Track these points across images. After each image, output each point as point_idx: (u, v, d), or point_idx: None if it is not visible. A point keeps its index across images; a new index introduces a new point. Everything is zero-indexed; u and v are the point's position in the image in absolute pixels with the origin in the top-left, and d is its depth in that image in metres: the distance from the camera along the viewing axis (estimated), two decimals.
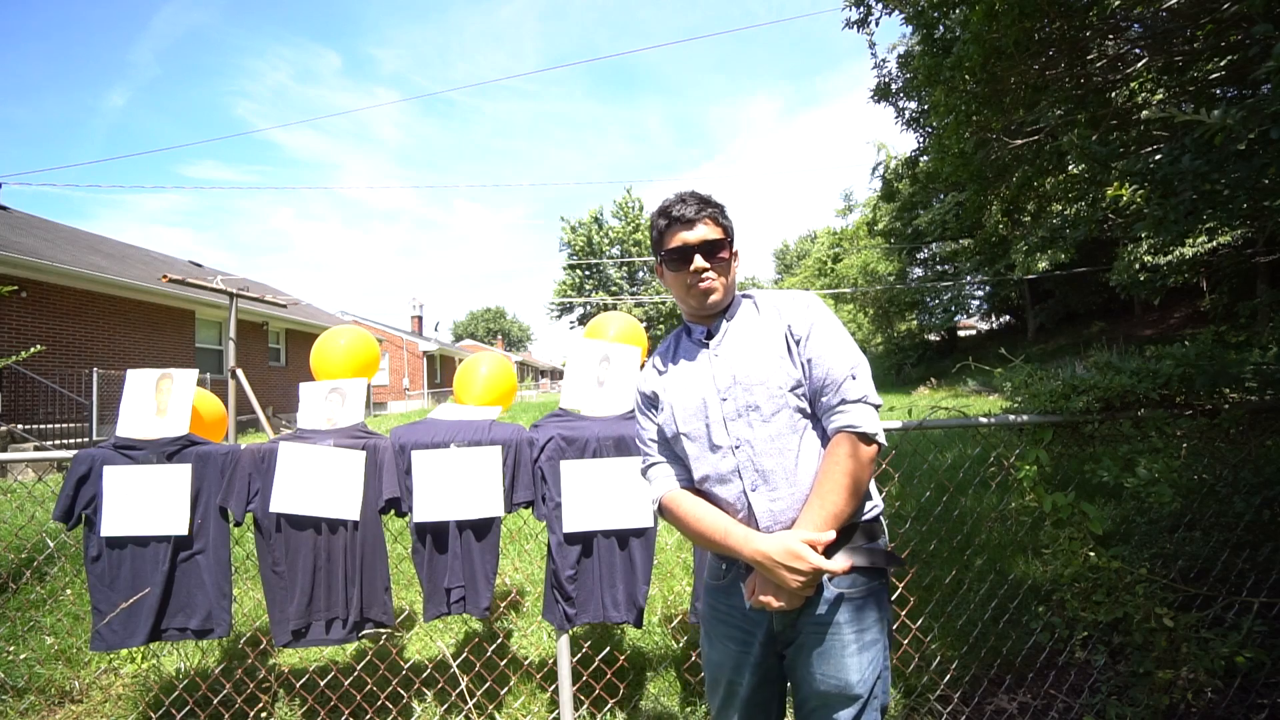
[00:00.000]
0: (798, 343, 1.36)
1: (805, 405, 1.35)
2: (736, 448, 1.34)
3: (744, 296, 1.52)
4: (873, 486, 1.39)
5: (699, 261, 1.39)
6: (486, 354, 2.63)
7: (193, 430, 2.30)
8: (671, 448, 1.47)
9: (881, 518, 1.40)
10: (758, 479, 1.32)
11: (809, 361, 1.34)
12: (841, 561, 1.26)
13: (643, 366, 2.24)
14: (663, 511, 1.46)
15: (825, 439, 1.34)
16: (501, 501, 2.20)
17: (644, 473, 1.53)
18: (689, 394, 1.42)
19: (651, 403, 1.51)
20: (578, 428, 2.24)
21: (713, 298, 1.41)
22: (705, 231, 1.40)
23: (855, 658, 1.30)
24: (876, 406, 1.32)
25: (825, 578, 1.30)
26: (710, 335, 1.46)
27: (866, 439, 1.28)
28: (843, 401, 1.30)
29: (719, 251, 1.41)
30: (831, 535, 1.25)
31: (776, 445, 1.32)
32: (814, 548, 1.23)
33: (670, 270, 1.45)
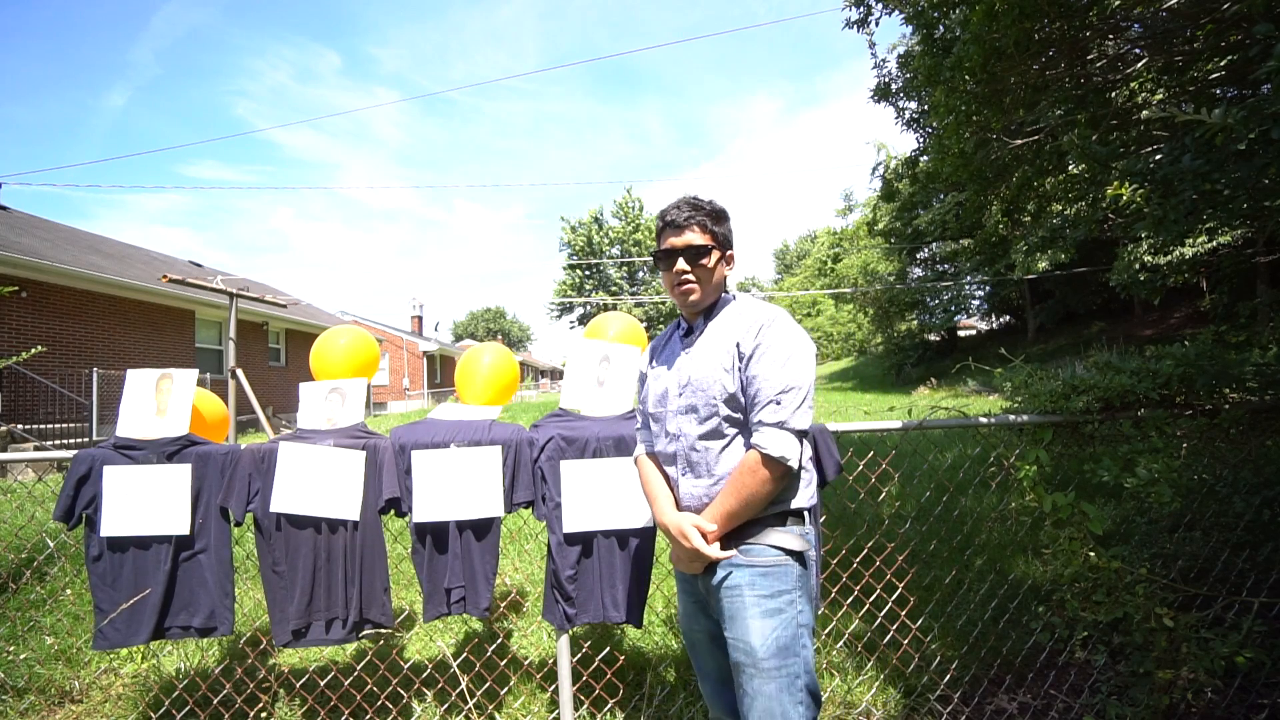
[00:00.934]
0: (742, 359, 1.49)
1: (737, 415, 1.50)
2: (678, 437, 1.56)
3: (731, 300, 1.64)
4: (805, 481, 1.52)
5: (680, 265, 1.55)
6: (488, 344, 2.62)
7: (196, 431, 2.30)
8: (647, 422, 1.72)
9: (806, 512, 1.53)
10: (686, 467, 1.55)
11: (748, 379, 1.48)
12: (719, 550, 1.47)
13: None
14: (636, 468, 1.76)
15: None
16: (501, 501, 2.20)
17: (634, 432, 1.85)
18: (660, 383, 1.65)
19: (641, 380, 1.79)
20: (578, 428, 2.24)
21: (691, 298, 1.58)
22: (691, 238, 1.55)
23: (757, 621, 1.43)
24: (797, 432, 1.42)
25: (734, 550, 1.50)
26: (690, 332, 1.64)
27: (769, 460, 1.41)
28: (759, 423, 1.44)
29: (701, 258, 1.55)
30: (714, 528, 1.47)
31: (703, 444, 1.52)
32: (704, 534, 1.47)
33: (660, 269, 1.63)
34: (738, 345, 1.50)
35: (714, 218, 1.58)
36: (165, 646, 3.05)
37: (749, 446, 1.46)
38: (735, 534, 1.49)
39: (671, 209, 1.58)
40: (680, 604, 1.72)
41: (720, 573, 1.50)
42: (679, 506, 1.57)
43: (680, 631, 1.72)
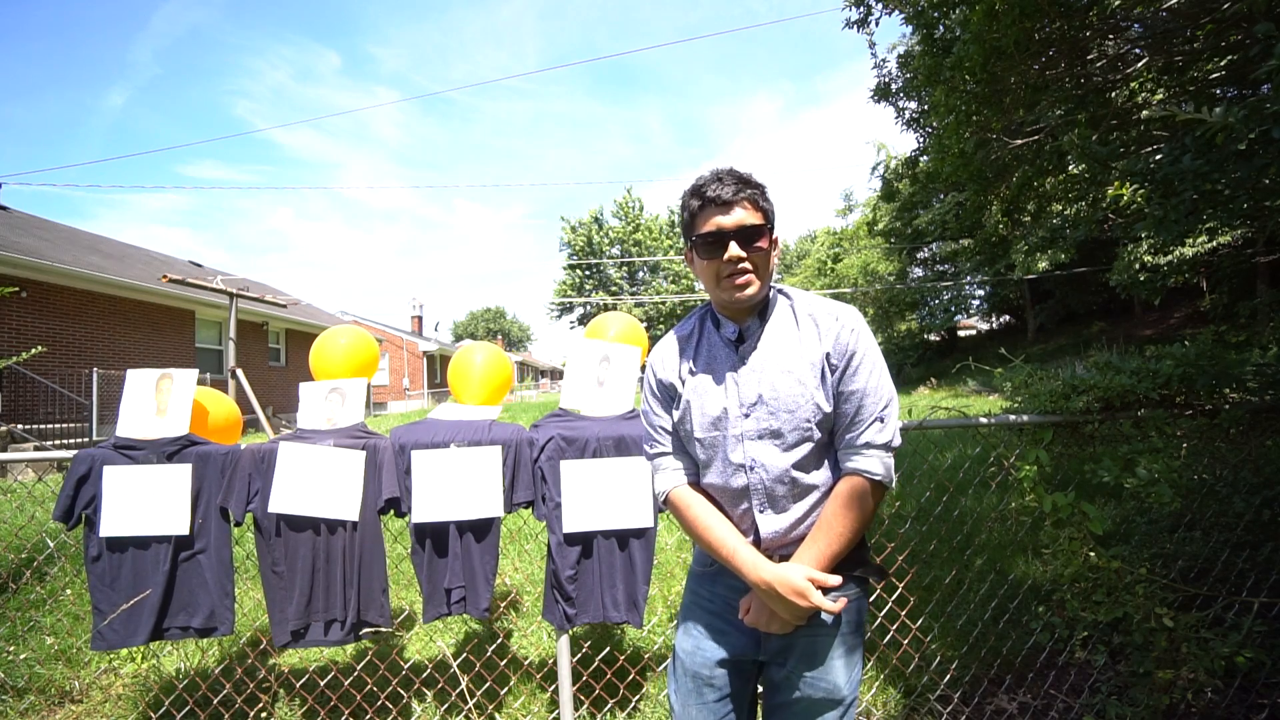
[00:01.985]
0: (834, 370, 1.27)
1: (827, 439, 1.30)
2: (750, 468, 1.28)
3: (780, 293, 1.38)
4: None
5: (734, 250, 1.25)
6: (478, 344, 2.62)
7: (207, 434, 2.30)
8: (683, 444, 1.40)
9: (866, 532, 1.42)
10: (767, 503, 1.29)
11: (841, 394, 1.27)
12: (838, 604, 1.24)
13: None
14: (669, 504, 1.40)
15: (836, 468, 1.30)
16: (501, 502, 2.20)
17: (650, 458, 1.45)
18: (711, 401, 1.32)
19: (669, 392, 1.40)
20: (578, 428, 2.24)
21: (748, 291, 1.28)
22: (743, 216, 1.26)
23: (842, 660, 1.31)
24: (895, 450, 1.28)
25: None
26: (741, 338, 1.34)
27: (879, 487, 1.25)
28: (867, 445, 1.25)
29: (757, 239, 1.27)
30: (837, 581, 1.23)
31: (791, 475, 1.27)
32: (816, 584, 1.22)
33: (701, 257, 1.30)
34: (827, 356, 1.26)
35: (763, 192, 1.31)
36: (165, 646, 3.05)
37: (840, 472, 1.28)
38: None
39: (712, 182, 1.27)
40: (692, 640, 1.42)
41: (814, 617, 1.30)
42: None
43: (683, 666, 1.43)
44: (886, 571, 1.41)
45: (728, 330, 1.35)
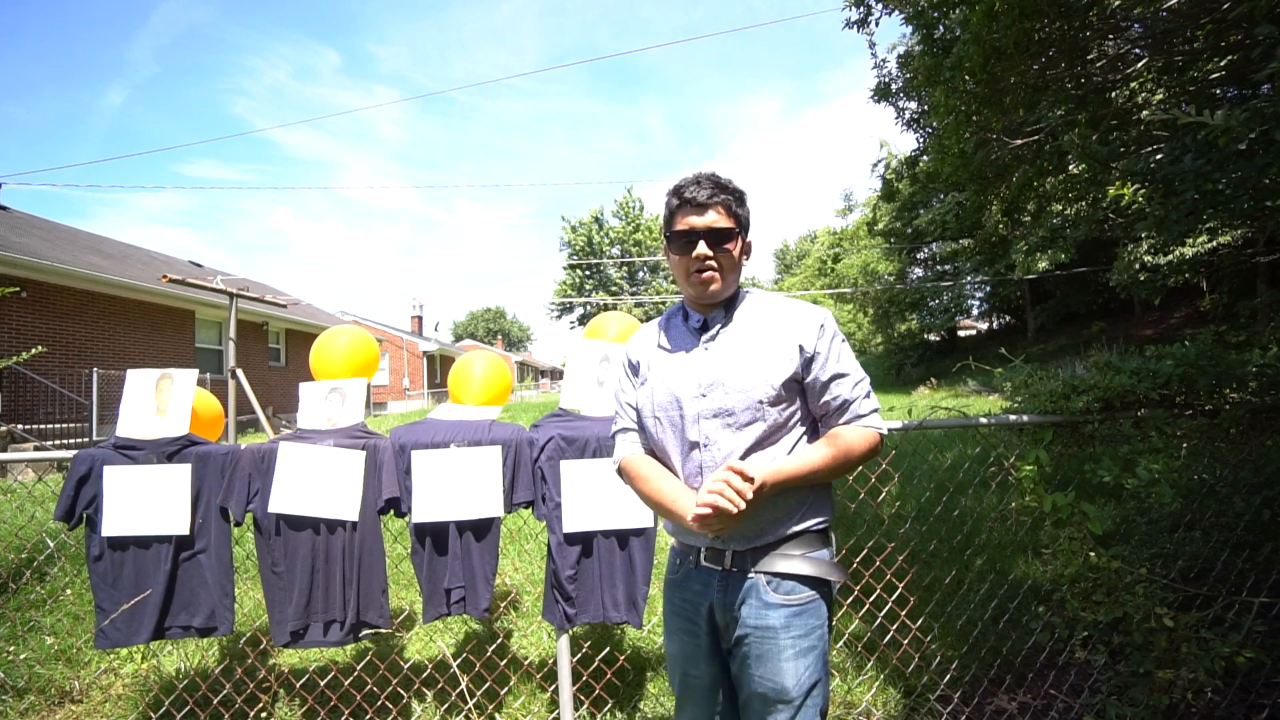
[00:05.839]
0: (810, 361, 1.36)
1: (783, 420, 1.35)
2: (705, 446, 1.35)
3: (749, 293, 1.48)
4: (829, 496, 1.43)
5: (702, 249, 1.35)
6: (480, 352, 2.63)
7: (188, 428, 2.30)
8: (643, 422, 1.47)
9: (831, 531, 1.43)
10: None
11: (826, 379, 1.36)
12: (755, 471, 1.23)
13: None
14: (623, 471, 1.49)
15: (796, 448, 1.37)
16: (501, 502, 2.20)
17: (613, 434, 1.55)
18: (669, 381, 1.42)
19: (634, 370, 1.53)
20: (578, 428, 2.24)
21: (712, 288, 1.38)
22: (714, 219, 1.36)
23: (791, 663, 1.32)
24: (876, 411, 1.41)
25: (764, 584, 1.33)
26: (706, 326, 1.44)
27: (881, 440, 1.39)
28: (860, 414, 1.37)
29: (726, 242, 1.37)
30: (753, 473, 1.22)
31: (741, 454, 1.33)
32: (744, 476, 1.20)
33: (674, 253, 1.42)
34: (800, 347, 1.35)
35: (738, 199, 1.39)
36: (165, 646, 3.05)
37: (797, 445, 1.38)
38: (767, 559, 1.33)
39: (690, 185, 1.37)
40: (676, 644, 1.48)
41: (758, 612, 1.33)
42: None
43: (673, 671, 1.52)
44: (843, 571, 1.40)
45: (694, 320, 1.46)
